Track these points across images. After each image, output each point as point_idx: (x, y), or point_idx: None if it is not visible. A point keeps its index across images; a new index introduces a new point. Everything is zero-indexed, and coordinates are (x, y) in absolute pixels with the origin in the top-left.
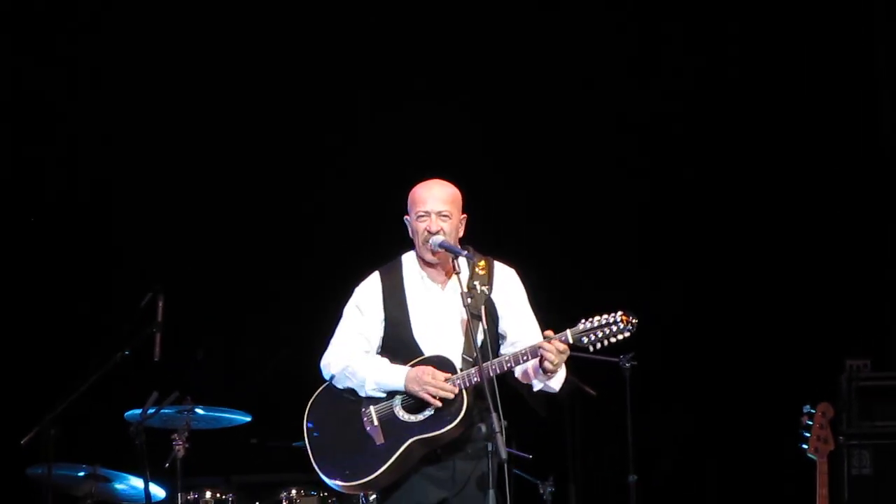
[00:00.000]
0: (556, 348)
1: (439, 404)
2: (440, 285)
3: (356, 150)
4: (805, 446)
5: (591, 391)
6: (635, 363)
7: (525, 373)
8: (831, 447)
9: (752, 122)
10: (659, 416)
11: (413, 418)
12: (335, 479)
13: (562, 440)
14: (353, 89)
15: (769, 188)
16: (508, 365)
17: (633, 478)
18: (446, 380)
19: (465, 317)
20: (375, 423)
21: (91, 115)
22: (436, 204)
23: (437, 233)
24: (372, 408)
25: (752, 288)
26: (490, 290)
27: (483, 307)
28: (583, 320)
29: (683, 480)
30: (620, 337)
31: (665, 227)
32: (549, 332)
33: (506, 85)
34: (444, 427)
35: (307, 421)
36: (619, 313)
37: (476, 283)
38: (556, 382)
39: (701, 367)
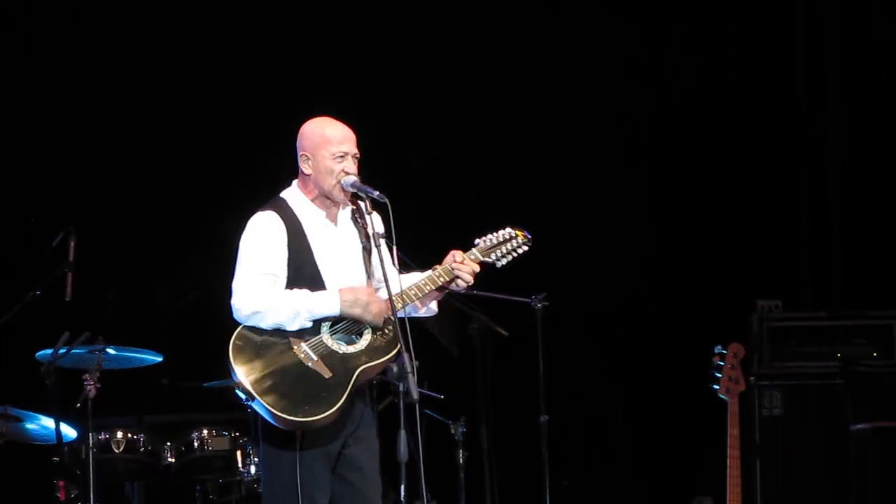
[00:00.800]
0: (472, 269)
1: (380, 323)
2: (332, 222)
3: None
4: (716, 387)
5: (503, 331)
6: (547, 303)
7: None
8: (742, 387)
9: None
10: (571, 356)
11: (351, 349)
12: (294, 416)
13: (473, 380)
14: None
15: (678, 128)
16: (428, 288)
17: (544, 418)
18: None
19: (362, 254)
20: (315, 357)
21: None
22: (352, 146)
23: (352, 174)
24: (303, 344)
25: (664, 229)
26: (369, 223)
27: (377, 239)
28: (479, 239)
29: (595, 421)
30: (521, 251)
31: (571, 164)
32: (459, 253)
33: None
34: (386, 354)
35: (236, 364)
36: (509, 228)
37: (358, 217)
38: (436, 304)
39: (613, 307)
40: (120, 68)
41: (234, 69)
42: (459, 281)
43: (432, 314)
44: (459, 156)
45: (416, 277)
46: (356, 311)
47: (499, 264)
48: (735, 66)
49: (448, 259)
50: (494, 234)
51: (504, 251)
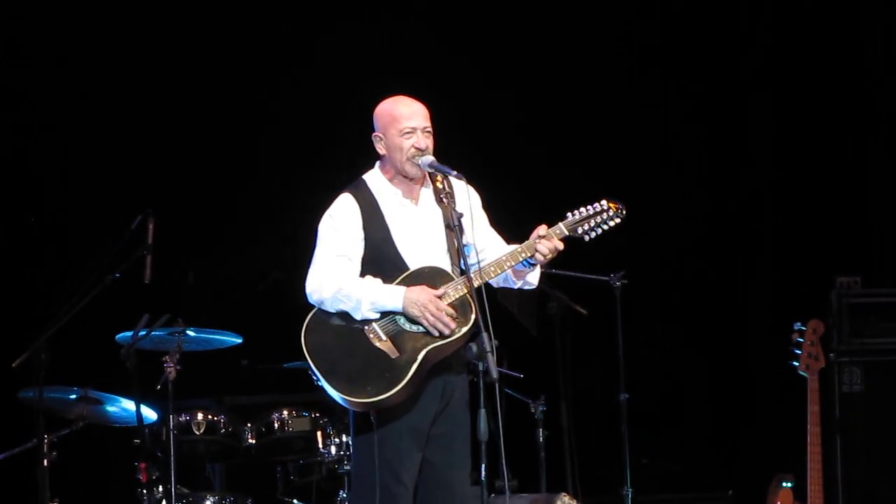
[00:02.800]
0: (555, 246)
1: (436, 333)
2: (412, 200)
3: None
4: (796, 363)
5: (582, 310)
6: (626, 281)
7: (505, 277)
8: (822, 364)
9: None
10: (650, 334)
11: (421, 328)
12: (357, 398)
13: (553, 359)
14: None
15: (758, 104)
16: (508, 265)
17: (624, 396)
18: (442, 296)
19: (445, 231)
20: (384, 337)
21: (74, 38)
22: (421, 120)
23: (425, 149)
24: (375, 324)
25: (743, 206)
26: (454, 202)
27: (456, 219)
28: (571, 212)
29: (674, 399)
30: (612, 224)
31: (656, 146)
32: (544, 227)
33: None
34: (456, 334)
35: (307, 346)
36: (604, 201)
37: (442, 196)
38: (536, 276)
39: (692, 285)
40: (188, 53)
41: (312, 50)
42: (538, 255)
43: (531, 287)
44: (547, 130)
45: (504, 252)
46: (414, 312)
47: (586, 238)
48: (807, 40)
49: (533, 234)
50: (586, 207)
51: (592, 224)
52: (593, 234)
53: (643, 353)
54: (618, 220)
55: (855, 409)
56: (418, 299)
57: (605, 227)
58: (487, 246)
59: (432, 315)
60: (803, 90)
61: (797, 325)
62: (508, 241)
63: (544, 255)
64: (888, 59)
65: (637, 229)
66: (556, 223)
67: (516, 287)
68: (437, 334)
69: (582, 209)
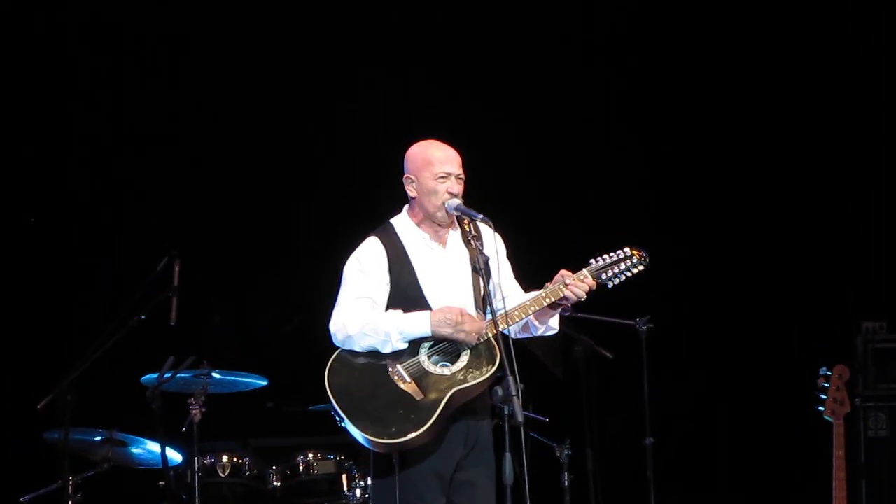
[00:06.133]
0: (592, 285)
1: (474, 342)
2: (440, 244)
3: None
4: (821, 409)
5: (608, 354)
6: (651, 326)
7: (527, 322)
8: (847, 409)
9: (760, 81)
10: (675, 378)
11: (446, 370)
12: (380, 438)
13: (578, 403)
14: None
15: (780, 147)
16: (532, 309)
17: (649, 440)
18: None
19: (472, 274)
20: (408, 379)
21: (103, 83)
22: (455, 167)
23: (456, 195)
24: (399, 366)
25: (768, 250)
26: (482, 245)
27: (483, 262)
28: (594, 259)
29: (700, 443)
30: (635, 271)
31: (675, 189)
32: (568, 273)
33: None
34: (482, 375)
35: (330, 387)
36: (628, 248)
37: (470, 238)
38: (556, 321)
39: (717, 330)
40: (218, 94)
41: (342, 96)
42: (572, 297)
43: (553, 332)
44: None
45: (528, 297)
46: (446, 331)
47: (609, 285)
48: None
49: (557, 279)
50: (609, 254)
51: (616, 271)
52: (616, 282)
53: (668, 398)
54: (641, 268)
55: (880, 454)
56: (446, 318)
57: (629, 273)
58: (510, 294)
59: (468, 325)
60: (831, 135)
61: (823, 370)
62: (527, 289)
63: (579, 298)
64: None
65: (663, 273)
66: (580, 269)
67: (538, 333)
68: (475, 342)
69: (606, 256)
